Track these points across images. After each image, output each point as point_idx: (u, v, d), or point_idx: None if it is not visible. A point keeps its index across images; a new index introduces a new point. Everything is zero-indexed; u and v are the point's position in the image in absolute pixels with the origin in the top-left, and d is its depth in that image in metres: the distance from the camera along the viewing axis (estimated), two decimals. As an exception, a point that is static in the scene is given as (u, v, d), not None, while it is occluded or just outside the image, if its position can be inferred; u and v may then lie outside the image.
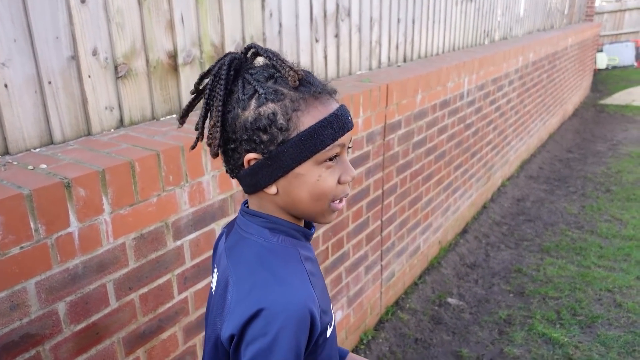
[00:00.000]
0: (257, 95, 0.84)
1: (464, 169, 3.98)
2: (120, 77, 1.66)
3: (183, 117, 0.94)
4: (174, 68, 1.85)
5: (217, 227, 1.69)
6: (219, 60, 0.89)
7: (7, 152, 1.41)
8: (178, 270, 1.58)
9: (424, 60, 3.61)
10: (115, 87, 1.65)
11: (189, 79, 1.90)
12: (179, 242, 1.56)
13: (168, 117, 1.85)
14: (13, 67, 1.37)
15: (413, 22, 3.47)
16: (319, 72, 2.62)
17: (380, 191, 2.75)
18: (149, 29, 1.71)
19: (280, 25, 2.30)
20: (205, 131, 0.90)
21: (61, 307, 1.26)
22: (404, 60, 3.47)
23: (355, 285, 2.69)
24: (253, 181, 0.90)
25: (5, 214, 1.11)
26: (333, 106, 0.87)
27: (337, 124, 0.86)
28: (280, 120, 0.83)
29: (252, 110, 0.84)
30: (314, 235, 2.25)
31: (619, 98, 9.60)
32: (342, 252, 2.50)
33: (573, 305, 3.17)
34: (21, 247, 1.16)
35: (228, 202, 1.72)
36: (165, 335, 1.57)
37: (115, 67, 1.64)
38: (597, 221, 4.37)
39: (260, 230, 0.91)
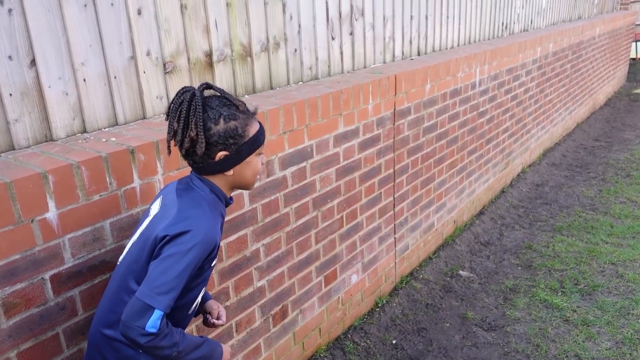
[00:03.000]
0: (222, 116, 1.36)
1: (479, 154, 4.26)
2: (168, 72, 2.08)
3: (169, 147, 1.43)
4: (210, 64, 2.26)
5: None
6: (181, 95, 1.38)
7: (84, 131, 1.85)
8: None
9: (438, 53, 3.91)
10: (164, 81, 2.08)
11: (222, 73, 2.31)
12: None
13: (205, 104, 2.26)
14: (89, 65, 1.82)
15: (426, 18, 3.78)
16: (335, 66, 2.99)
17: (391, 170, 3.09)
18: (190, 33, 2.13)
19: (300, 26, 2.68)
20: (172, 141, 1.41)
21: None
22: (418, 54, 3.79)
23: (370, 254, 3.05)
24: (219, 168, 1.41)
25: (90, 170, 1.55)
26: (258, 122, 1.46)
27: (264, 133, 1.47)
28: (240, 131, 1.38)
29: (222, 126, 1.36)
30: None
31: (655, 87, 9.48)
32: (356, 223, 2.86)
33: (576, 276, 3.42)
34: (100, 195, 1.59)
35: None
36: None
37: (164, 65, 2.07)
38: (612, 203, 4.55)
39: (204, 188, 1.43)
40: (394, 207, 3.21)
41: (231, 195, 1.52)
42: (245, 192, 2.12)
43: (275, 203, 2.29)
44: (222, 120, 1.35)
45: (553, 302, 3.15)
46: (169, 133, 1.39)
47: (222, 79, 2.33)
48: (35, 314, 1.49)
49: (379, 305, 3.17)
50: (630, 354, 2.66)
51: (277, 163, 2.25)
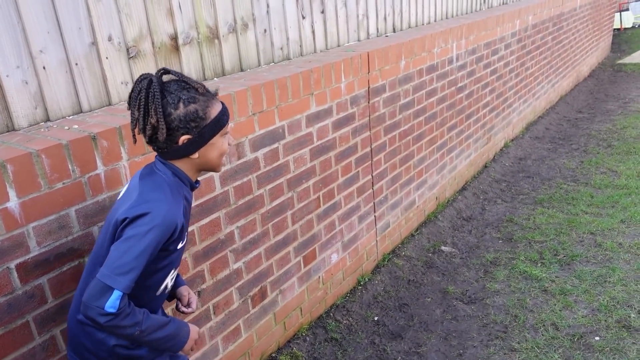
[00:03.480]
0: (181, 100, 1.36)
1: (459, 130, 4.27)
2: (132, 57, 2.06)
3: (134, 136, 1.41)
4: (176, 48, 2.24)
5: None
6: (139, 82, 1.37)
7: (48, 119, 1.83)
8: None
9: (414, 29, 3.89)
10: (128, 66, 2.06)
11: (189, 56, 2.29)
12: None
13: (173, 89, 2.24)
14: (48, 53, 1.79)
15: (401, -6, 3.75)
16: (307, 46, 2.97)
17: (368, 149, 3.10)
18: (152, 16, 2.11)
19: (268, 5, 2.66)
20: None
21: (95, 230, 1.69)
22: (394, 31, 3.77)
23: (349, 233, 3.07)
24: (184, 152, 1.41)
25: (51, 158, 1.54)
26: (219, 101, 1.45)
27: (227, 113, 1.46)
28: (200, 113, 1.38)
29: (182, 110, 1.36)
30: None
31: (639, 57, 9.51)
32: (333, 202, 2.87)
33: (555, 247, 3.47)
34: (63, 183, 1.58)
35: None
36: (177, 259, 2.00)
37: (127, 50, 2.04)
38: (592, 174, 4.59)
39: (166, 172, 1.43)
40: (372, 186, 3.22)
41: (198, 178, 1.52)
42: (216, 175, 2.12)
43: (248, 185, 2.29)
44: (181, 105, 1.35)
45: (532, 273, 3.19)
46: (131, 122, 1.38)
47: (190, 63, 2.31)
48: (3, 302, 1.49)
49: (361, 283, 3.21)
50: (605, 320, 2.72)
51: (247, 145, 2.25)
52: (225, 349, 2.33)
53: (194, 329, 1.54)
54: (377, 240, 3.37)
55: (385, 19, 3.65)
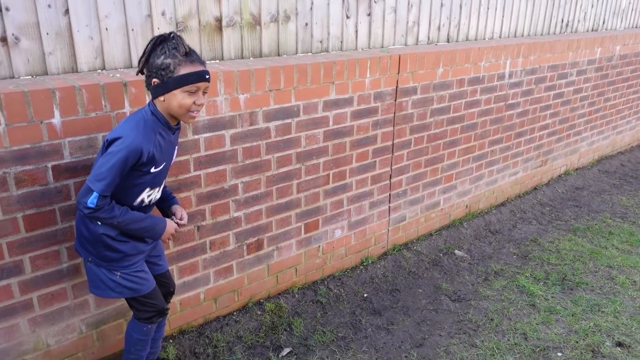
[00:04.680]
0: (164, 54, 1.80)
1: (505, 146, 4.33)
2: (180, 30, 2.57)
3: (139, 70, 1.89)
4: (219, 28, 2.72)
5: (226, 132, 2.54)
6: (156, 37, 1.81)
7: (104, 68, 2.39)
8: (195, 155, 2.47)
9: (471, 42, 4.05)
10: (176, 37, 2.56)
11: (230, 37, 2.76)
12: (196, 136, 2.44)
13: (211, 61, 2.72)
14: (112, 18, 2.35)
15: (460, 6, 3.94)
16: (349, 42, 3.31)
17: (389, 142, 3.37)
18: (202, 0, 2.60)
19: (312, 3, 3.05)
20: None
21: (116, 155, 2.21)
22: (447, 41, 3.97)
23: (358, 215, 3.37)
24: (154, 93, 1.86)
25: (89, 93, 2.07)
26: (199, 68, 1.83)
27: (196, 77, 1.82)
28: (170, 67, 1.79)
29: (160, 60, 1.80)
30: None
31: None
32: (344, 183, 3.20)
33: (566, 272, 3.47)
34: (96, 113, 2.12)
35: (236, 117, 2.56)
36: (182, 195, 2.48)
37: (177, 24, 2.55)
38: (645, 214, 4.39)
39: (147, 111, 1.88)
40: (390, 178, 3.48)
41: (178, 123, 1.97)
42: (228, 134, 2.56)
43: (257, 149, 2.71)
44: (162, 57, 1.80)
45: (529, 289, 3.25)
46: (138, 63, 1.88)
47: (230, 42, 2.78)
48: (38, 190, 2.06)
49: (364, 264, 3.49)
50: (576, 341, 2.75)
51: (261, 115, 2.66)
52: (216, 282, 2.79)
53: (170, 224, 2.01)
54: (388, 230, 3.63)
55: (439, 28, 3.86)
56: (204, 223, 2.63)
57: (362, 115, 3.13)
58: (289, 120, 2.79)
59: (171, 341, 2.64)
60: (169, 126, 1.93)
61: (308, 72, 2.77)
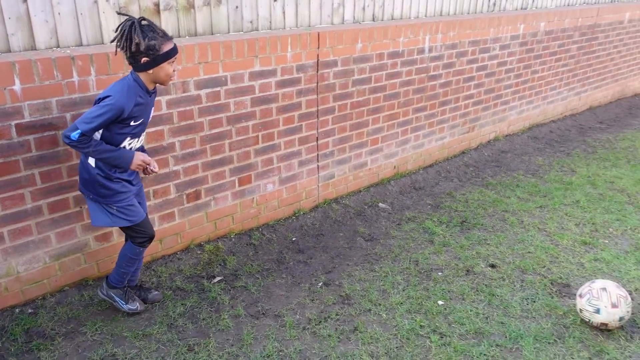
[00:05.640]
0: (148, 37, 2.36)
1: (429, 113, 4.91)
2: (122, 14, 3.10)
3: (116, 49, 2.43)
4: (157, 12, 3.25)
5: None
6: (126, 22, 2.36)
7: (58, 46, 2.93)
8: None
9: (397, 20, 4.59)
10: (119, 19, 3.10)
11: (167, 18, 3.29)
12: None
13: (151, 39, 3.25)
14: (63, 4, 2.87)
15: (383, -10, 4.47)
16: (277, 22, 3.85)
17: (314, 109, 3.93)
18: (140, -12, 3.12)
19: (240, -11, 3.57)
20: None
21: (67, 116, 2.76)
22: (373, 20, 4.51)
23: (288, 172, 3.95)
24: (143, 68, 2.43)
25: (43, 65, 2.61)
26: (173, 43, 2.45)
27: (175, 51, 2.47)
28: (157, 47, 2.38)
29: (146, 42, 2.35)
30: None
31: None
32: (272, 143, 3.77)
33: (467, 216, 4.08)
34: (49, 82, 2.66)
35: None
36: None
37: (119, 8, 3.08)
38: (552, 171, 5.00)
39: (130, 78, 2.47)
40: (317, 140, 4.05)
41: (154, 88, 2.55)
42: (164, 99, 3.11)
43: (190, 112, 3.26)
44: (147, 39, 2.35)
45: (432, 229, 3.86)
46: (117, 45, 2.40)
47: (168, 23, 3.31)
48: (5, 144, 2.61)
49: (296, 215, 4.08)
50: (456, 264, 3.37)
51: (192, 84, 3.21)
52: (161, 225, 3.37)
53: (138, 156, 2.58)
54: (318, 186, 4.21)
55: (364, 9, 4.40)
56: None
57: (286, 84, 3.69)
58: (217, 89, 3.34)
59: (123, 271, 3.21)
60: (147, 90, 2.50)
61: (233, 48, 3.32)
